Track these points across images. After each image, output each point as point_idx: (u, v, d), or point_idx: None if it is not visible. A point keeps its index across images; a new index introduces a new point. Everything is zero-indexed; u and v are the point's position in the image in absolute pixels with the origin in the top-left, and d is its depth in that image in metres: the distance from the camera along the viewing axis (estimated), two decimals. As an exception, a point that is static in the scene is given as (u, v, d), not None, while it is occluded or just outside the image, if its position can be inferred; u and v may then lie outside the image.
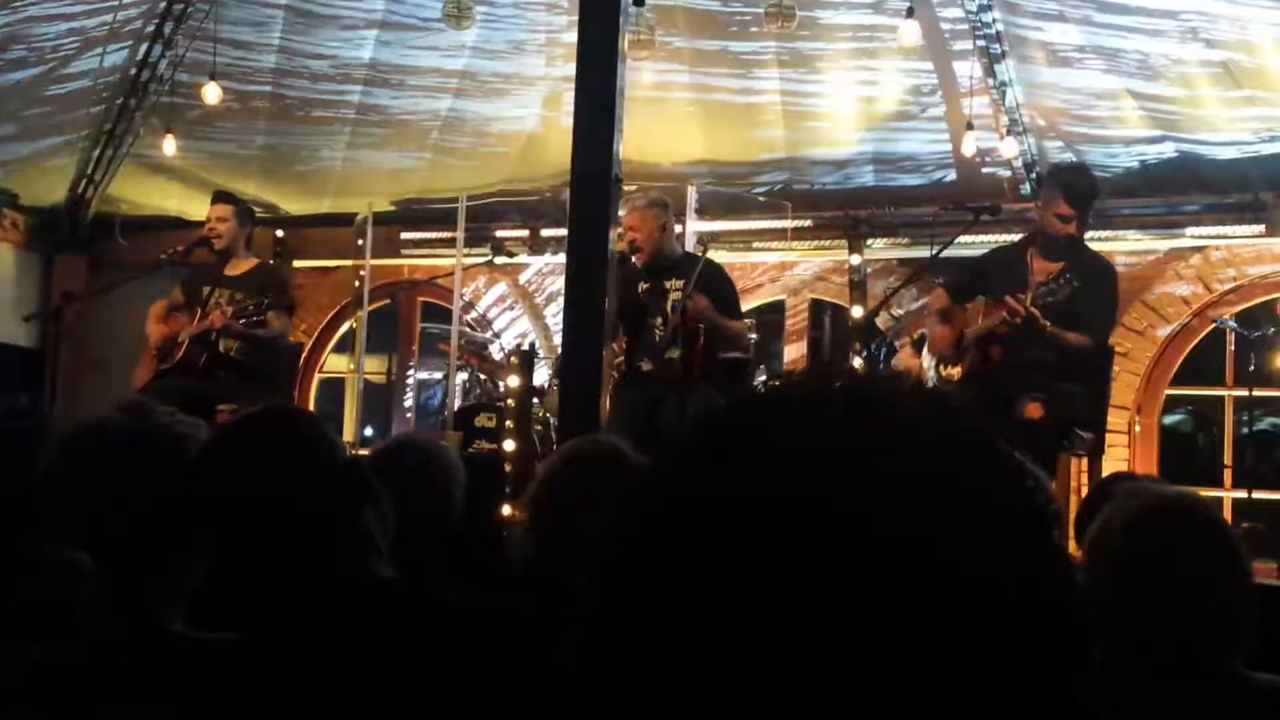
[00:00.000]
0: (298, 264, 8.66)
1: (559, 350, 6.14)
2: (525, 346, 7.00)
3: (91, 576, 1.71)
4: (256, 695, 1.51)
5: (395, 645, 1.50)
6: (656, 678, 0.55)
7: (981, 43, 6.79)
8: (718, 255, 5.98)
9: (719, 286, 5.48)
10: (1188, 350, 7.20)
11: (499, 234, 7.97)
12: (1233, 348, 7.01)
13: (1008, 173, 7.32)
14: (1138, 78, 6.67)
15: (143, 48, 7.65)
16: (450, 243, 7.61)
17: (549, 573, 2.14)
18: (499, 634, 1.56)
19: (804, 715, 0.53)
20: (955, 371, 5.12)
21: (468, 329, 7.83)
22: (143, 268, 6.67)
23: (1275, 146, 6.73)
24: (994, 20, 6.70)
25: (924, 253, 6.62)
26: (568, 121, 4.31)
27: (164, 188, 8.49)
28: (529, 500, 2.30)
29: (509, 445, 5.96)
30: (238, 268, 6.01)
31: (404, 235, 8.45)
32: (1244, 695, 1.70)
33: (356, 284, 7.76)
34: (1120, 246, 6.92)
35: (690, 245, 6.86)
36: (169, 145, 7.75)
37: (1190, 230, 7.03)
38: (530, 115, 7.67)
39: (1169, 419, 7.67)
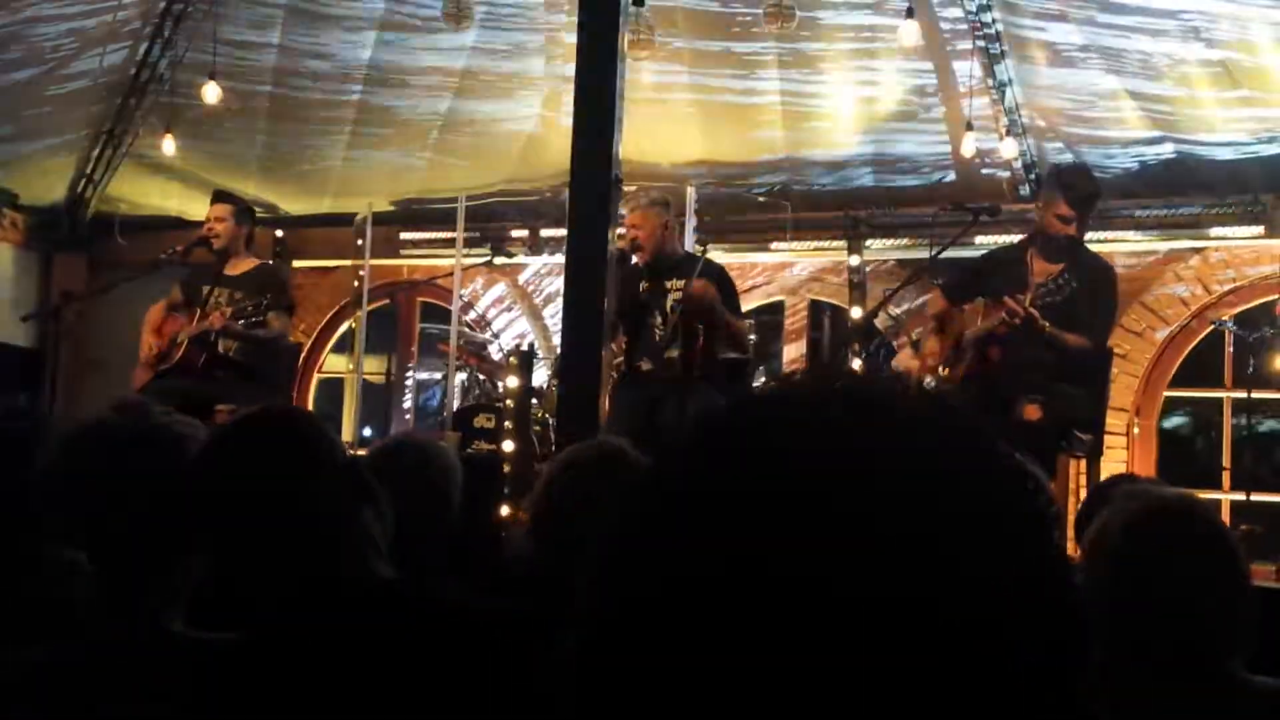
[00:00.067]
0: (297, 264, 8.66)
1: (558, 351, 6.14)
2: (524, 347, 7.00)
3: (91, 576, 1.71)
4: (256, 695, 1.51)
5: (395, 645, 1.50)
6: (656, 678, 0.56)
7: (981, 43, 6.79)
8: (716, 255, 5.98)
9: (720, 285, 5.49)
10: (1186, 352, 7.20)
11: (498, 234, 7.97)
12: (1231, 349, 7.01)
13: (1007, 174, 7.32)
14: (1137, 78, 6.67)
15: (142, 47, 7.65)
16: (449, 243, 7.61)
17: (549, 573, 2.14)
18: (499, 634, 1.56)
19: (804, 715, 0.53)
20: (945, 372, 5.13)
21: (467, 329, 7.83)
22: (142, 267, 6.66)
23: (1274, 147, 6.73)
24: (993, 20, 6.70)
25: (923, 254, 6.62)
26: (568, 121, 4.31)
27: (163, 187, 8.49)
28: (530, 502, 2.30)
29: (508, 446, 5.96)
30: (237, 268, 6.01)
31: (403, 235, 8.45)
32: (1243, 697, 1.71)
33: (356, 284, 7.76)
34: (1119, 248, 6.91)
35: (690, 245, 6.86)
36: (168, 145, 7.75)
37: (1189, 231, 7.03)
38: (530, 115, 7.66)
39: (1169, 423, 7.67)
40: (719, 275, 5.56)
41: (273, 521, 1.61)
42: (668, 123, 7.45)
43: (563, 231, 5.34)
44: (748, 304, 7.19)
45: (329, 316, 8.91)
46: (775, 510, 0.56)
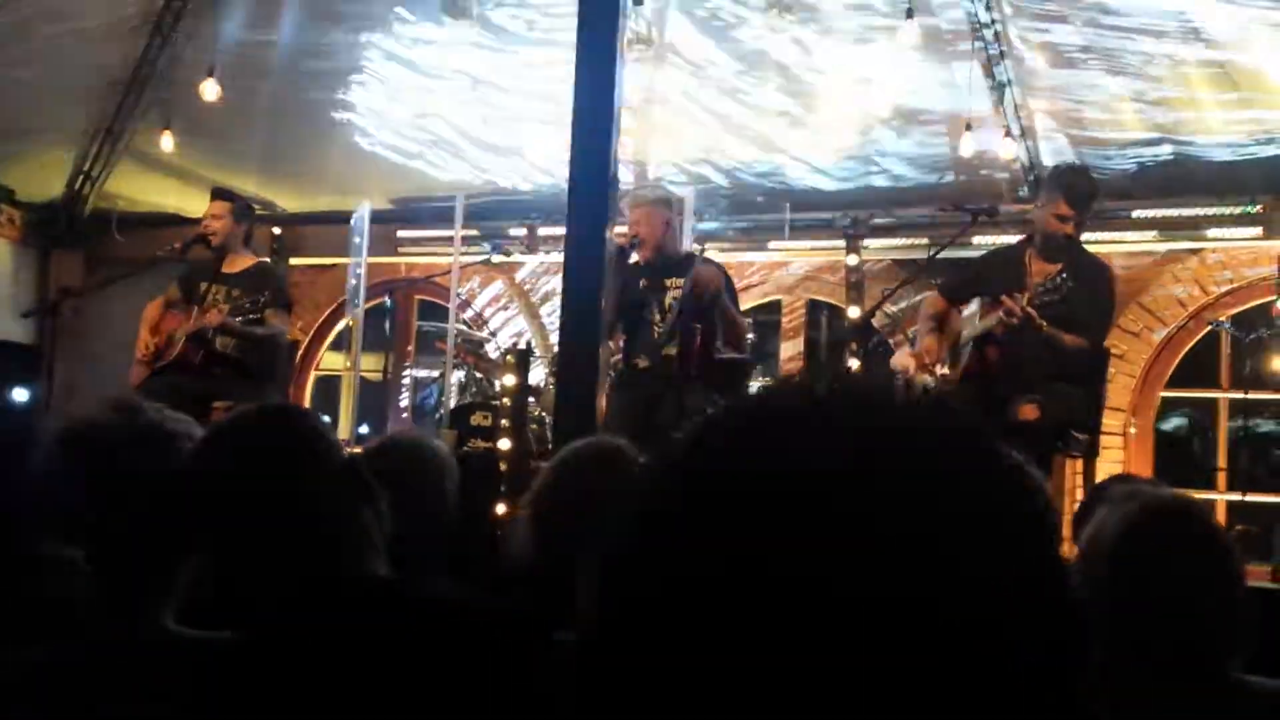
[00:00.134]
0: (295, 261, 8.66)
1: (555, 349, 6.14)
2: (521, 345, 6.99)
3: (88, 575, 1.71)
4: (255, 695, 1.51)
5: (393, 645, 1.50)
6: (657, 678, 0.56)
7: (981, 44, 6.79)
8: (714, 255, 5.99)
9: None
10: (1183, 352, 7.21)
11: (496, 232, 7.97)
12: (1229, 350, 7.02)
13: (1006, 175, 7.32)
14: (1136, 80, 6.67)
15: (141, 44, 7.64)
16: (447, 241, 7.61)
17: (546, 572, 2.14)
18: (497, 633, 1.56)
19: (805, 715, 0.54)
20: (944, 371, 5.13)
21: (464, 327, 7.82)
22: (140, 264, 6.66)
23: (1272, 149, 6.74)
24: (993, 21, 6.70)
25: (921, 254, 6.63)
26: (567, 121, 4.31)
27: (161, 184, 8.48)
28: (527, 500, 2.30)
29: (504, 444, 5.96)
30: (235, 265, 6.01)
31: (401, 233, 8.45)
32: (1240, 698, 1.71)
33: (353, 281, 7.75)
34: (1117, 248, 6.92)
35: (688, 244, 6.86)
36: (167, 141, 7.75)
37: (1187, 232, 7.04)
38: (529, 114, 7.66)
39: (1166, 425, 7.67)
40: (721, 271, 5.60)
41: (269, 519, 1.61)
42: (667, 122, 7.44)
43: (560, 230, 5.34)
44: (744, 303, 7.19)
45: (326, 314, 8.91)
46: (776, 510, 0.56)
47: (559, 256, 4.89)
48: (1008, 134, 7.01)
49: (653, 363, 5.41)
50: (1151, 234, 7.09)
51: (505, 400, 6.19)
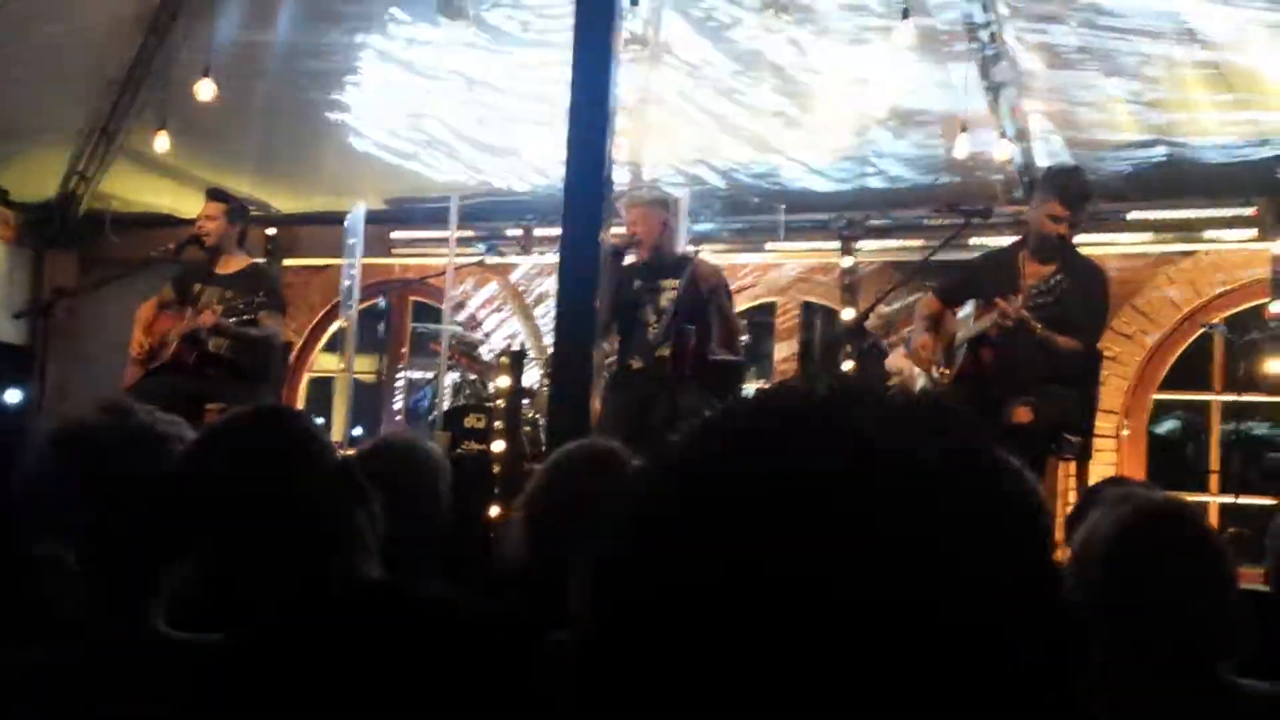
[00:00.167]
0: (289, 262, 8.65)
1: (549, 351, 6.14)
2: (515, 347, 6.99)
3: (81, 576, 1.71)
4: (251, 696, 1.51)
5: (388, 646, 1.50)
6: (656, 679, 0.56)
7: (976, 45, 6.80)
8: (709, 256, 6.00)
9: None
10: (1177, 355, 7.21)
11: (491, 233, 7.96)
12: (1222, 353, 7.03)
13: (1001, 176, 7.32)
14: (1132, 81, 6.68)
15: (137, 43, 7.63)
16: (442, 242, 7.61)
17: (540, 574, 2.14)
18: (491, 635, 1.56)
19: (804, 716, 0.53)
20: (939, 373, 5.13)
21: (458, 329, 7.82)
22: (134, 265, 6.65)
23: (1266, 151, 6.75)
24: (989, 22, 6.71)
25: (916, 255, 6.63)
26: (563, 121, 4.31)
27: (156, 185, 8.47)
28: (521, 502, 2.30)
29: (498, 446, 5.95)
30: (229, 266, 6.00)
31: (396, 234, 8.44)
32: (1233, 700, 1.71)
33: (347, 283, 7.75)
34: (1111, 250, 6.92)
35: (683, 245, 6.86)
36: (161, 142, 7.74)
37: (1181, 234, 7.04)
38: (524, 115, 7.65)
39: (1160, 428, 7.67)
40: (718, 271, 5.63)
41: (263, 521, 1.61)
42: (663, 122, 7.45)
43: (555, 231, 5.35)
44: (739, 305, 7.19)
45: (320, 315, 8.89)
46: (774, 511, 0.56)
47: (554, 258, 4.89)
48: (1003, 135, 7.02)
49: (647, 364, 5.41)
50: (1146, 236, 7.09)
51: (499, 402, 6.19)
